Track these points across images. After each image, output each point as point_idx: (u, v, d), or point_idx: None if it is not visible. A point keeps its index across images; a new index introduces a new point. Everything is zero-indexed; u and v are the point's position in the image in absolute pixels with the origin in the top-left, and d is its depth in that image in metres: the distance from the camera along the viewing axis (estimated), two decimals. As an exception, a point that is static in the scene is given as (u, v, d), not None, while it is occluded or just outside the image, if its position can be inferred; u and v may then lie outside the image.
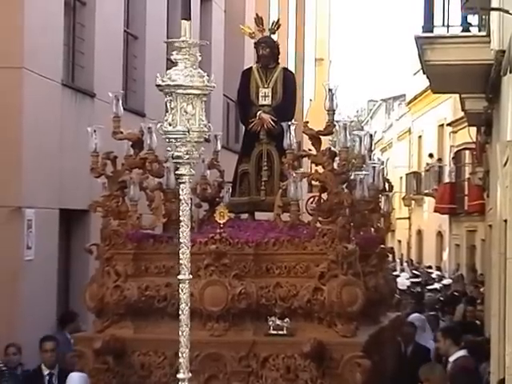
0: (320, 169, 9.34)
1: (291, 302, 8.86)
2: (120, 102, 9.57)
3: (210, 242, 8.92)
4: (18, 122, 11.95)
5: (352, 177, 9.78)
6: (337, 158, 9.24)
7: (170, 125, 4.68)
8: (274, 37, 11.29)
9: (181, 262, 5.10)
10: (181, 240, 5.06)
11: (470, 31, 9.62)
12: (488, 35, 8.36)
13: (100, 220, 9.60)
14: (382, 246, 11.32)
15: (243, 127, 11.35)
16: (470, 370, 9.24)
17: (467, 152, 27.11)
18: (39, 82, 12.32)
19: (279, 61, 11.24)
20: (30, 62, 12.07)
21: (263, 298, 8.89)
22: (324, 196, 9.21)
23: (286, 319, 8.78)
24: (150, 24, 16.94)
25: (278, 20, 12.06)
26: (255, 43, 11.06)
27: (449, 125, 33.04)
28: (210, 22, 21.16)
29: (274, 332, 8.76)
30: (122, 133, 9.53)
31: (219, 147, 10.98)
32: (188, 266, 5.11)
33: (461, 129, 27.91)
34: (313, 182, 9.61)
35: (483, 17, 9.30)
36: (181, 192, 4.86)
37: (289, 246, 9.11)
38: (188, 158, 4.74)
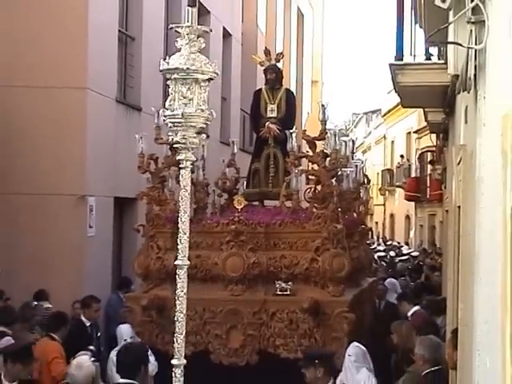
0: (315, 166, 9.34)
1: (293, 269, 8.90)
2: (161, 115, 9.58)
3: (230, 223, 8.96)
4: (83, 130, 11.97)
5: (340, 173, 9.79)
6: (328, 158, 9.24)
7: (167, 109, 3.75)
8: (279, 65, 11.31)
9: (179, 247, 3.87)
10: (180, 226, 3.87)
11: (431, 60, 9.57)
12: (445, 63, 8.31)
13: (145, 206, 9.62)
14: (363, 226, 11.33)
15: (255, 134, 11.37)
16: (431, 322, 9.23)
17: (429, 153, 26.99)
18: (99, 99, 12.33)
19: (283, 83, 11.25)
20: (92, 84, 12.09)
21: (272, 266, 8.92)
22: (318, 187, 9.21)
23: (290, 282, 8.82)
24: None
25: (282, 52, 12.11)
26: (264, 69, 11.08)
27: (415, 132, 32.92)
28: (230, 53, 21.16)
29: (280, 292, 8.79)
30: (162, 139, 9.55)
31: (236, 150, 10.98)
32: (186, 252, 3.88)
33: (424, 135, 27.75)
34: (310, 177, 9.60)
35: (441, 48, 9.26)
36: (180, 178, 3.84)
37: (291, 226, 9.15)
38: (185, 143, 3.75)
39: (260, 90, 11.17)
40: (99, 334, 10.22)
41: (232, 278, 8.83)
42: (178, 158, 3.83)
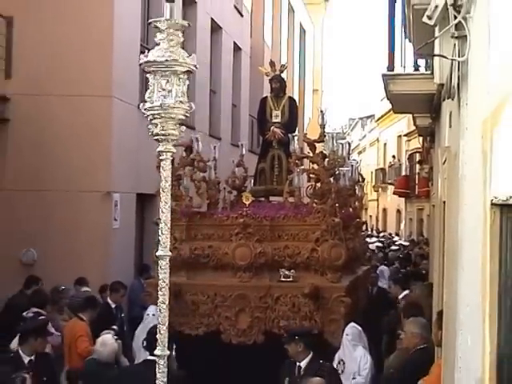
0: (315, 166, 9.30)
1: (295, 258, 8.84)
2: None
3: (239, 216, 8.90)
4: (109, 134, 12.00)
5: (337, 172, 9.76)
6: (327, 159, 9.21)
7: (146, 101, 3.37)
8: (283, 75, 11.27)
9: (160, 238, 3.37)
10: (161, 217, 3.38)
11: (419, 70, 9.55)
12: (432, 73, 8.27)
13: (163, 201, 9.59)
14: (358, 219, 11.28)
15: (261, 137, 11.36)
16: (417, 304, 9.21)
17: (417, 154, 26.95)
18: (123, 106, 12.36)
19: (286, 91, 11.23)
20: (117, 92, 12.12)
21: (276, 255, 8.87)
22: (318, 185, 9.18)
23: (292, 270, 8.77)
24: (198, 65, 16.94)
25: (285, 64, 12.06)
26: (269, 79, 11.04)
27: (405, 135, 32.85)
28: (240, 65, 21.18)
29: (284, 279, 8.75)
30: (177, 141, 9.51)
31: (244, 152, 10.93)
32: (168, 243, 3.39)
33: (413, 138, 27.71)
34: (310, 175, 9.57)
35: (428, 60, 9.23)
36: (161, 169, 3.40)
37: (294, 219, 9.09)
38: (164, 135, 3.38)
39: (266, 97, 11.14)
40: (123, 314, 10.26)
41: (240, 266, 8.81)
42: (157, 149, 3.42)
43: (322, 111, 9.48)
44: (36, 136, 11.97)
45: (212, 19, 18.28)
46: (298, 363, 6.95)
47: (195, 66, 3.35)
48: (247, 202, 9.02)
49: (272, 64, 11.28)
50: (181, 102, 3.33)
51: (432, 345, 6.78)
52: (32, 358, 6.99)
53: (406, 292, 10.85)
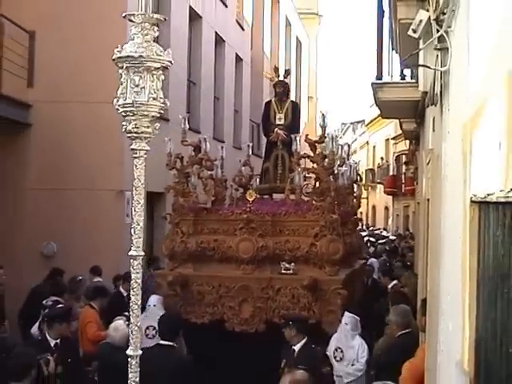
0: (315, 165, 9.25)
1: (295, 252, 8.76)
2: (187, 121, 9.58)
3: (243, 212, 8.88)
4: (121, 136, 11.94)
5: (336, 171, 9.71)
6: (326, 159, 9.16)
7: (119, 98, 3.04)
8: (286, 80, 11.25)
9: (133, 238, 2.98)
10: (133, 216, 3.01)
11: (405, 79, 9.54)
12: (416, 82, 8.28)
13: (172, 198, 9.61)
14: (355, 216, 11.24)
15: (264, 139, 11.35)
16: (403, 293, 9.21)
17: (404, 156, 26.94)
18: (134, 112, 12.37)
19: (289, 96, 11.22)
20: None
21: (277, 249, 8.81)
22: (317, 183, 9.13)
23: (292, 263, 8.70)
24: (204, 74, 16.94)
25: (289, 69, 12.05)
26: (274, 84, 11.04)
27: (392, 139, 32.85)
28: (241, 74, 21.17)
29: (284, 272, 8.69)
30: (187, 141, 9.52)
31: (250, 152, 10.92)
32: (140, 243, 3.00)
33: (400, 141, 27.67)
34: (308, 174, 9.54)
35: (413, 70, 9.23)
36: (134, 168, 3.07)
37: (294, 215, 9.01)
38: (137, 133, 3.02)
39: (270, 101, 11.13)
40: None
41: (244, 259, 8.77)
42: (131, 147, 3.08)
43: (323, 114, 9.44)
44: (56, 139, 12.07)
45: (216, 33, 18.29)
46: (292, 346, 6.98)
47: (170, 61, 2.98)
48: (251, 199, 9.00)
49: (276, 70, 11.28)
50: (154, 98, 2.99)
51: (416, 330, 6.80)
52: (57, 341, 7.02)
53: (395, 282, 10.86)
